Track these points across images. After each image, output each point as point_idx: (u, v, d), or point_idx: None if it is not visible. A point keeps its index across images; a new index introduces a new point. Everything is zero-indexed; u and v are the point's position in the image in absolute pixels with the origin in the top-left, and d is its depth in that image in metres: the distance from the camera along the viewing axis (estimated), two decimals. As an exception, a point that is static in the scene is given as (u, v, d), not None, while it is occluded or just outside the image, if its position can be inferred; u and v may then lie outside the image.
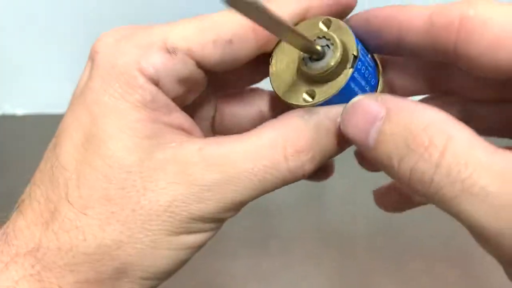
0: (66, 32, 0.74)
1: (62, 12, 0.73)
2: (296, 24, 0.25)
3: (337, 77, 0.23)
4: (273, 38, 0.25)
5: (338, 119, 0.23)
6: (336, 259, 0.63)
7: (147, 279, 0.23)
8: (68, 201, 0.22)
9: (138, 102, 0.23)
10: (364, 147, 0.22)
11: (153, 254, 0.23)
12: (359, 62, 0.23)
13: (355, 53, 0.23)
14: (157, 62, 0.23)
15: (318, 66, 0.23)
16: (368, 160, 0.24)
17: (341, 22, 0.24)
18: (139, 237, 0.22)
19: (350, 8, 0.26)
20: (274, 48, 0.25)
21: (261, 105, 0.29)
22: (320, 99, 0.23)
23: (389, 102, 0.21)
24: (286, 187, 0.24)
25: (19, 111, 0.82)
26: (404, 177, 0.20)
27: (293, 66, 0.25)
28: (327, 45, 0.23)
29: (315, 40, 0.23)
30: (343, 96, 0.23)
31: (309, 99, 0.24)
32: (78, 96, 0.24)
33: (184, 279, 0.60)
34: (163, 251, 0.23)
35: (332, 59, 0.23)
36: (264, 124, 0.24)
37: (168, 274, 0.24)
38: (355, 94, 0.24)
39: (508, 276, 0.21)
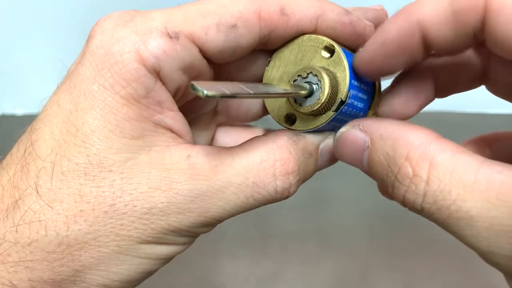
0: (66, 32, 0.74)
1: (62, 12, 0.73)
2: (304, 34, 0.24)
3: (320, 114, 0.23)
4: (278, 27, 0.23)
5: (321, 146, 0.24)
6: (336, 259, 0.63)
7: (105, 286, 0.22)
8: (37, 191, 0.21)
9: (129, 97, 0.21)
10: (363, 171, 0.22)
11: (117, 260, 0.21)
12: (345, 107, 0.23)
13: (343, 98, 0.23)
14: (157, 49, 0.21)
15: (303, 105, 0.23)
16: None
17: (342, 57, 0.23)
18: (106, 241, 0.21)
19: (361, 40, 0.24)
20: (275, 51, 0.25)
21: None
22: (297, 129, 0.24)
23: (371, 130, 0.22)
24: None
25: (19, 111, 0.82)
26: (400, 201, 0.21)
27: (286, 80, 0.24)
28: (317, 84, 0.23)
29: (308, 74, 0.23)
30: (322, 129, 0.24)
31: (288, 121, 0.24)
32: (64, 80, 0.23)
33: (183, 278, 0.60)
34: (128, 258, 0.22)
35: (316, 104, 0.23)
36: (254, 140, 0.23)
37: (129, 284, 0.22)
38: (338, 127, 0.24)
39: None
